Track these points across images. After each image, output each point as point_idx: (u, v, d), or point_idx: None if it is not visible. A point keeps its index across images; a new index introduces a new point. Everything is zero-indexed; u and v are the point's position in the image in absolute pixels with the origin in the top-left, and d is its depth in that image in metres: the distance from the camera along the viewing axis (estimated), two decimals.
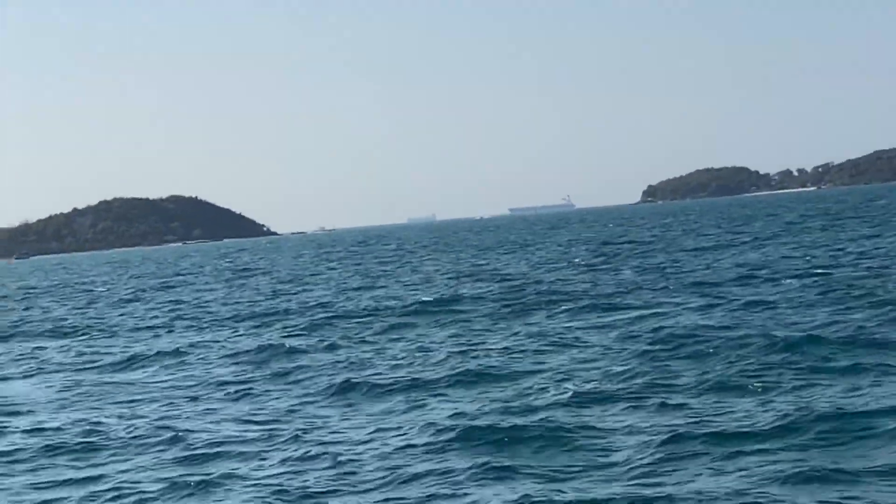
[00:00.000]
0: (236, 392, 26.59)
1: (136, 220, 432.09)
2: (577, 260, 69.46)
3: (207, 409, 24.51)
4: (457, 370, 26.31)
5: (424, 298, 46.39)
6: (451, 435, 19.77)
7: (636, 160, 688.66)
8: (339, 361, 29.79)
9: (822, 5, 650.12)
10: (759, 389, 21.97)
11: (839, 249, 56.95)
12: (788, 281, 41.44)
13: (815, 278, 41.42)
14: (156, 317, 51.53)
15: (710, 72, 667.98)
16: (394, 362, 29.04)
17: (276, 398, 25.47)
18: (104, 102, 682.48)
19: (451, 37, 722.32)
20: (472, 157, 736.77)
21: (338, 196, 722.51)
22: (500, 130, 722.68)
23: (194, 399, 26.33)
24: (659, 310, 35.77)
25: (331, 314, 43.89)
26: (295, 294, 59.09)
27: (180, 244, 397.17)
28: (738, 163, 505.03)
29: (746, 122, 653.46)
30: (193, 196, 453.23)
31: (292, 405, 24.35)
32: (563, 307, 38.51)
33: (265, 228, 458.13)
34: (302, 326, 39.86)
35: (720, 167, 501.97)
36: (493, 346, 30.15)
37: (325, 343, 33.89)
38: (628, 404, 21.43)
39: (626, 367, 25.38)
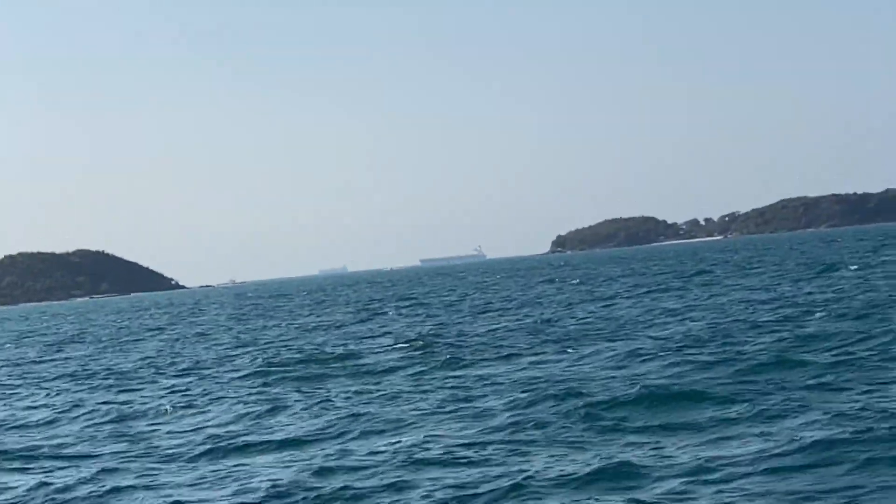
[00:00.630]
0: None
1: (42, 275, 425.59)
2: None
3: None
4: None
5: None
6: None
7: (546, 211, 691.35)
8: None
9: (725, 57, 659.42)
10: None
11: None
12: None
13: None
14: None
15: (617, 123, 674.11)
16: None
17: None
18: (5, 154, 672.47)
19: (357, 90, 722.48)
20: (382, 208, 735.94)
21: (248, 248, 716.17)
22: (411, 182, 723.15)
23: None
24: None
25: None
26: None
27: (87, 299, 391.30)
28: (647, 213, 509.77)
29: (655, 173, 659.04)
30: (100, 250, 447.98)
31: None
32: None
33: (173, 282, 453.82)
34: None
35: (628, 217, 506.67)
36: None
37: None
38: None
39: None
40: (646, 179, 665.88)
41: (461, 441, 22.86)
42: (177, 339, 69.14)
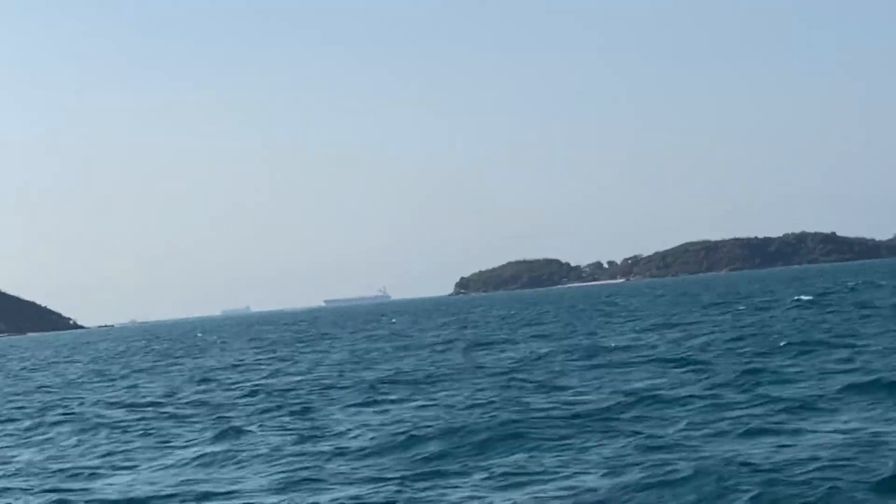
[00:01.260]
0: None
1: None
2: None
3: None
4: None
5: None
6: None
7: (450, 252, 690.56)
8: None
9: (630, 102, 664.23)
10: None
11: None
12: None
13: None
14: None
15: (522, 166, 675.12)
16: None
17: None
18: None
19: (261, 127, 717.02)
20: (287, 248, 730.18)
21: (150, 287, 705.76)
22: (316, 222, 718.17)
23: None
24: None
25: None
26: None
27: None
28: (551, 255, 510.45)
29: (559, 216, 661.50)
30: None
31: None
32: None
33: (71, 321, 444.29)
34: None
35: (532, 259, 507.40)
36: None
37: None
38: None
39: None
40: (550, 222, 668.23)
41: None
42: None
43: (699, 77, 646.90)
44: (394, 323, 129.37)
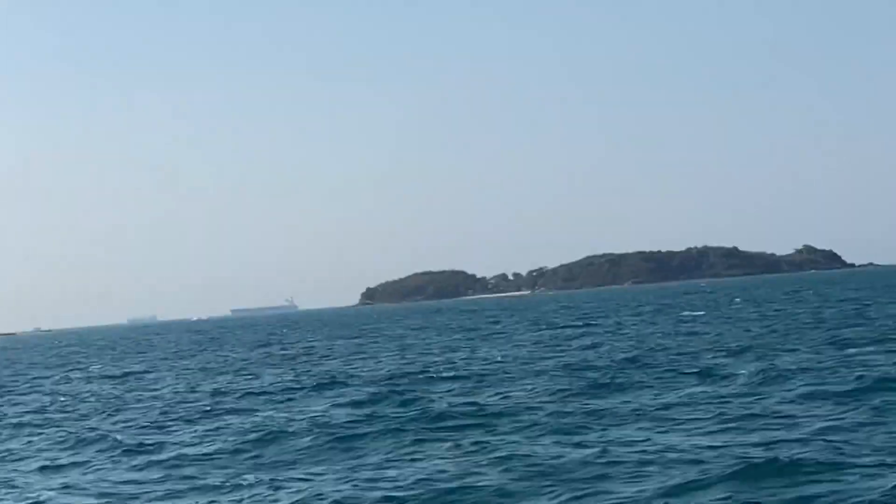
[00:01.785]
0: None
1: None
2: None
3: None
4: None
5: None
6: None
7: (357, 263, 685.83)
8: None
9: (531, 113, 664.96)
10: None
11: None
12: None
13: None
14: None
15: (429, 176, 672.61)
16: None
17: None
18: None
19: (164, 136, 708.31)
20: (193, 256, 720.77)
21: (53, 294, 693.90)
22: (222, 231, 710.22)
23: None
24: None
25: None
26: None
27: None
28: (457, 266, 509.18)
29: (465, 227, 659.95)
30: None
31: None
32: None
33: None
34: None
35: (438, 270, 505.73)
36: None
37: None
38: None
39: None
40: (456, 234, 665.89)
41: None
42: None
43: (604, 90, 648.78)
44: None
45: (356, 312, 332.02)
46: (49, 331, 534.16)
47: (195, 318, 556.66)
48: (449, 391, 37.50)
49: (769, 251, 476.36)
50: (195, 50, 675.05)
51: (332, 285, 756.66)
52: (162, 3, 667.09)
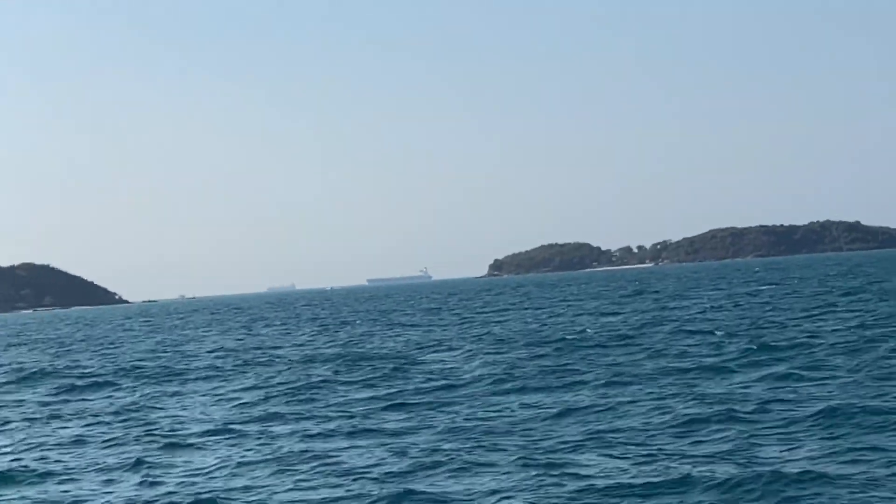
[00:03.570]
0: None
1: None
2: None
3: None
4: None
5: None
6: None
7: (485, 235, 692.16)
8: None
9: (659, 92, 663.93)
10: None
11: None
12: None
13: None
14: None
15: (554, 152, 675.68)
16: None
17: None
18: None
19: (316, 114, 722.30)
20: (331, 228, 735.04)
21: (197, 264, 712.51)
22: (359, 204, 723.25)
23: None
24: None
25: None
26: None
27: (31, 311, 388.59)
28: (582, 239, 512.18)
29: (591, 200, 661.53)
30: (46, 264, 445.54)
31: None
32: None
33: (117, 297, 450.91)
34: None
35: (563, 243, 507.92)
36: None
37: None
38: None
39: None
40: (582, 207, 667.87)
41: None
42: None
43: (723, 70, 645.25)
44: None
45: (486, 282, 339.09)
46: (193, 298, 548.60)
47: (329, 288, 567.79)
48: None
49: (892, 226, 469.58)
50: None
51: (463, 257, 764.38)
52: None
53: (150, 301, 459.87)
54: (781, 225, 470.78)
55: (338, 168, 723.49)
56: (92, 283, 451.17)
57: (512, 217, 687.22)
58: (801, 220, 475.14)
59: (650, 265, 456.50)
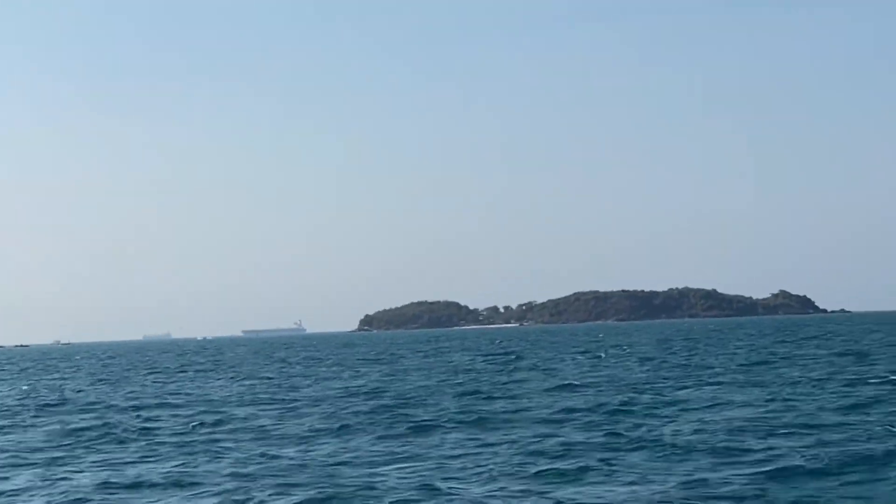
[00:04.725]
0: None
1: None
2: None
3: None
4: None
5: None
6: None
7: (357, 290, 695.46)
8: None
9: (522, 153, 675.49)
10: None
11: None
12: None
13: None
14: None
15: (426, 211, 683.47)
16: None
17: None
18: None
19: (185, 153, 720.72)
20: (207, 278, 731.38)
21: (73, 310, 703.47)
22: (233, 254, 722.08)
23: None
24: None
25: None
26: None
27: None
28: (451, 298, 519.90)
29: (460, 261, 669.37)
30: None
31: None
32: None
33: None
34: None
35: (433, 301, 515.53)
36: None
37: None
38: None
39: None
40: (451, 266, 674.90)
41: None
42: None
43: (589, 142, 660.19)
44: None
45: (357, 336, 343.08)
46: (68, 344, 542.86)
47: (200, 338, 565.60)
48: None
49: (747, 294, 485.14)
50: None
51: (336, 311, 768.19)
52: None
53: (22, 345, 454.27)
54: (642, 290, 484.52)
55: (215, 219, 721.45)
56: None
57: (383, 274, 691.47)
58: (661, 287, 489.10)
59: (515, 325, 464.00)
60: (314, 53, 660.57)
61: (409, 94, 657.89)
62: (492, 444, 29.50)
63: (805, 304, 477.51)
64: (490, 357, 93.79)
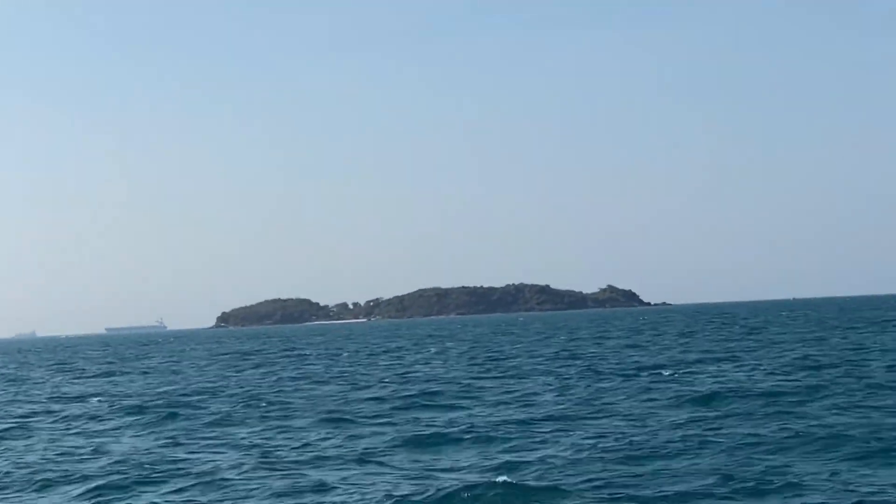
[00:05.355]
0: None
1: None
2: None
3: None
4: None
5: None
6: None
7: (214, 288, 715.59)
8: None
9: (375, 152, 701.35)
10: None
11: None
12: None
13: None
14: None
15: (279, 212, 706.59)
16: None
17: None
18: None
19: (67, 158, 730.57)
20: (71, 276, 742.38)
21: None
22: (99, 252, 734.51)
23: None
24: None
25: None
26: None
27: None
28: (302, 295, 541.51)
29: (310, 259, 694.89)
30: None
31: None
32: None
33: None
34: None
35: (286, 298, 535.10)
36: None
37: None
38: None
39: None
40: (303, 264, 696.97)
41: None
42: None
43: (435, 145, 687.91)
44: None
45: (212, 334, 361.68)
46: None
47: (64, 336, 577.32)
48: None
49: (577, 289, 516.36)
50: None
51: (196, 308, 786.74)
52: None
53: None
54: (481, 286, 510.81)
55: (77, 216, 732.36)
56: None
57: (239, 272, 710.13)
58: (499, 283, 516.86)
59: (363, 320, 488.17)
60: None
61: None
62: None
63: (631, 297, 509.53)
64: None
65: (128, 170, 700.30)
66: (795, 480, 22.02)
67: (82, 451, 31.44)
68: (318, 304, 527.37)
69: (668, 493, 21.48)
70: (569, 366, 60.52)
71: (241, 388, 54.62)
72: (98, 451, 31.09)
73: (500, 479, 22.40)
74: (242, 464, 26.76)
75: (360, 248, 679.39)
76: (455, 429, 32.02)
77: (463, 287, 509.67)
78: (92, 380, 73.15)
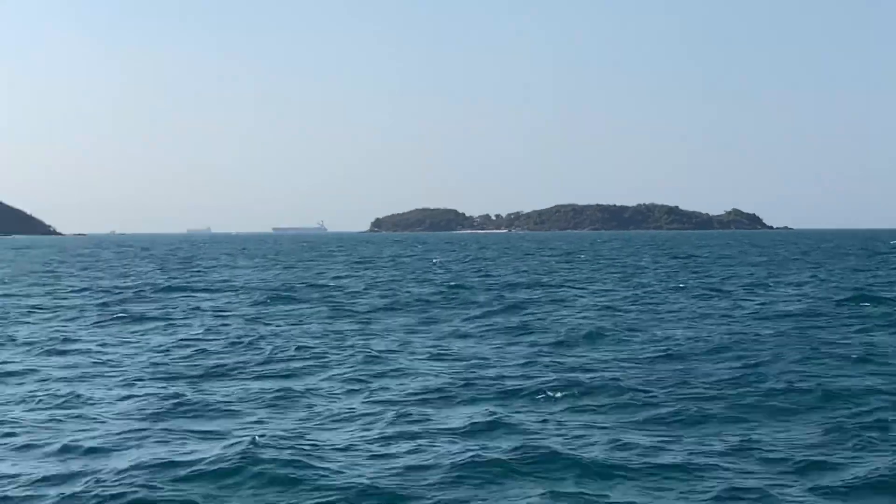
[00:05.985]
0: None
1: None
2: None
3: None
4: None
5: None
6: None
7: (369, 195, 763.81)
8: None
9: (534, 77, 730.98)
10: None
11: None
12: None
13: None
14: None
15: (431, 127, 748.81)
16: None
17: None
18: None
19: (209, 68, 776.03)
20: (242, 178, 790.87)
21: (127, 203, 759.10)
22: (269, 157, 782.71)
23: None
24: None
25: None
26: None
27: None
28: (450, 205, 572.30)
29: (458, 171, 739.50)
30: None
31: None
32: None
33: (51, 228, 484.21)
34: None
35: (434, 208, 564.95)
36: None
37: None
38: None
39: None
40: (453, 176, 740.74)
41: None
42: None
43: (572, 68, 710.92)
44: None
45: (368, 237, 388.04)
46: (122, 234, 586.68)
47: (235, 233, 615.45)
48: None
49: (704, 211, 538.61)
50: None
51: (351, 213, 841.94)
52: None
53: (80, 234, 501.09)
54: (614, 204, 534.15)
55: (255, 126, 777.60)
56: (29, 214, 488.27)
57: (392, 182, 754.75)
58: (631, 202, 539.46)
59: (504, 231, 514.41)
60: None
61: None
62: None
63: (755, 220, 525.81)
64: None
65: (306, 81, 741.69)
66: None
67: None
68: (463, 214, 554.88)
69: None
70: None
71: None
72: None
73: None
74: None
75: (502, 163, 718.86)
76: None
77: (597, 205, 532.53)
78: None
